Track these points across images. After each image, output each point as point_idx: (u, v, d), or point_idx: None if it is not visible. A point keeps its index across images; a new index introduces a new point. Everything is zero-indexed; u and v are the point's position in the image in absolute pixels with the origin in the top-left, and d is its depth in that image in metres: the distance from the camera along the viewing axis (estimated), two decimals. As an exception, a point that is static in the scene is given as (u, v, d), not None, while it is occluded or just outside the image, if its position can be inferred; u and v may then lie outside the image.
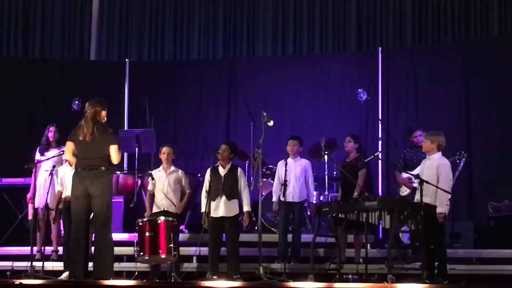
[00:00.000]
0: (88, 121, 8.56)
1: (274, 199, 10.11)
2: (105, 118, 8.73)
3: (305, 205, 10.42)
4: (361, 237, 9.70)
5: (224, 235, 9.57)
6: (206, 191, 9.56)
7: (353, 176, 9.75)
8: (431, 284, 8.00)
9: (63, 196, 9.62)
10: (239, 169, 9.78)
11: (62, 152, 9.69)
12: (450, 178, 8.84)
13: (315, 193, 10.89)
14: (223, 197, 9.51)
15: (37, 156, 10.60)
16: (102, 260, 8.41)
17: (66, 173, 9.55)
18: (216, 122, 13.67)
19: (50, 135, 10.62)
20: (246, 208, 9.62)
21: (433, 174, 8.69)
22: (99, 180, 8.48)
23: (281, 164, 10.11)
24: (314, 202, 10.34)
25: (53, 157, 10.21)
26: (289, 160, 9.96)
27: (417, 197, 8.79)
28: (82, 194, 8.50)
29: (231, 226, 9.49)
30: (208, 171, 9.69)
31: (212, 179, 9.57)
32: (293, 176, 9.93)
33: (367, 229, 8.94)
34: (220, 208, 9.50)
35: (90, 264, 8.57)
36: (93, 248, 8.78)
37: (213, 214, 9.47)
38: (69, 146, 8.70)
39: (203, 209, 9.53)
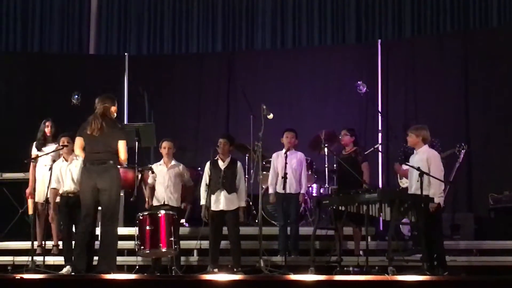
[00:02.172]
0: (97, 117, 8.59)
1: (271, 191, 10.10)
2: (115, 114, 8.75)
3: (305, 197, 10.43)
4: (360, 229, 9.72)
5: (224, 228, 9.58)
6: (206, 184, 9.57)
7: (353, 169, 9.75)
8: (431, 276, 8.01)
9: (60, 192, 9.61)
10: (239, 163, 9.79)
11: (61, 147, 9.69)
12: (441, 168, 8.85)
13: (315, 185, 10.91)
14: (223, 191, 9.53)
15: (34, 151, 10.54)
16: (106, 255, 8.44)
17: (62, 168, 9.55)
18: (215, 115, 13.66)
19: (47, 130, 10.58)
20: (242, 203, 9.62)
21: (424, 166, 8.68)
22: (107, 174, 8.50)
23: (276, 156, 10.11)
24: (309, 194, 10.35)
25: (53, 152, 10.19)
26: (288, 152, 9.95)
27: (412, 190, 8.80)
28: (91, 188, 8.51)
29: (231, 219, 9.51)
30: (208, 164, 9.69)
31: (212, 172, 9.57)
32: (289, 168, 9.89)
33: (368, 222, 8.95)
34: (221, 201, 9.51)
35: (95, 258, 8.58)
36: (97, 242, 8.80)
37: (213, 208, 9.48)
38: (78, 141, 8.71)
39: (202, 202, 9.55)
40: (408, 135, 9.09)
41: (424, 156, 8.80)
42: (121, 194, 10.96)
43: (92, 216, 8.58)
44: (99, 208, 8.68)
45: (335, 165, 11.07)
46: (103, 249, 8.47)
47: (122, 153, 8.62)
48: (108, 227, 8.51)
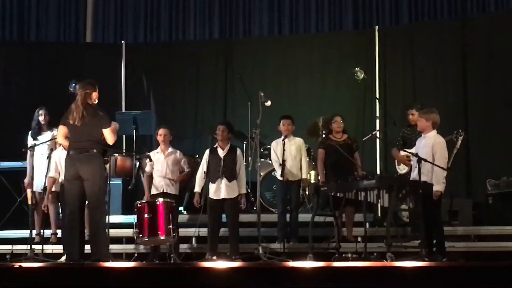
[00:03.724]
0: (78, 105, 8.52)
1: (279, 174, 10.03)
2: (96, 100, 8.68)
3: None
4: (353, 214, 9.76)
5: (223, 216, 9.58)
6: (204, 172, 9.54)
7: (350, 155, 9.78)
8: (430, 262, 8.02)
9: (60, 180, 9.61)
10: (238, 150, 9.77)
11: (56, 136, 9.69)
12: (446, 156, 8.85)
13: (313, 172, 10.90)
14: (224, 179, 9.51)
15: (29, 140, 10.53)
16: (97, 243, 8.41)
17: (62, 156, 9.55)
18: (213, 103, 13.65)
19: (41, 118, 10.55)
20: (242, 190, 9.61)
21: (429, 152, 8.69)
22: (90, 162, 8.45)
23: (275, 144, 10.10)
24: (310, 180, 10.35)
25: (49, 140, 10.17)
26: (286, 140, 9.94)
27: (413, 175, 8.81)
28: (74, 177, 8.48)
29: (231, 207, 9.50)
30: (207, 152, 9.65)
31: (210, 160, 9.55)
32: (289, 155, 9.89)
33: (366, 208, 8.96)
34: (222, 190, 9.49)
35: (87, 246, 8.59)
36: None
37: (213, 197, 9.47)
38: (61, 130, 8.68)
39: (196, 189, 9.54)
40: (418, 120, 9.09)
41: (431, 142, 8.78)
42: (119, 182, 11.02)
43: (77, 204, 8.51)
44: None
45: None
46: (93, 238, 8.46)
47: (109, 140, 8.59)
48: (95, 216, 8.48)
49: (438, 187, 8.60)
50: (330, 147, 10.02)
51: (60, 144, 9.64)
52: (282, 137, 9.93)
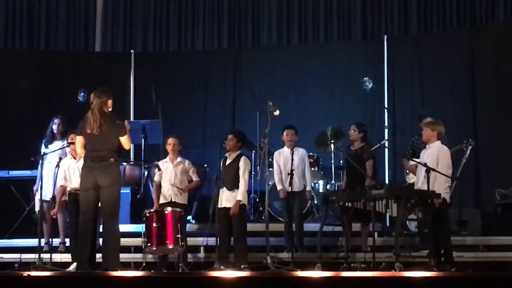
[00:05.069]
0: (95, 113, 8.56)
1: (280, 187, 10.07)
2: (111, 107, 8.73)
3: (312, 193, 10.43)
4: (368, 225, 9.71)
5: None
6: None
7: (359, 165, 9.74)
8: (438, 272, 8.00)
9: (68, 189, 9.64)
10: (242, 157, 9.62)
11: (66, 145, 9.71)
12: (450, 166, 8.88)
13: (321, 182, 10.89)
14: (223, 188, 9.51)
15: (43, 148, 10.60)
16: (110, 252, 8.45)
17: (71, 165, 9.57)
18: (222, 113, 13.67)
19: (55, 127, 10.62)
20: (239, 197, 9.44)
21: (433, 161, 8.73)
22: (109, 171, 8.51)
23: (278, 154, 10.11)
24: (315, 191, 10.34)
25: (59, 149, 10.21)
26: (288, 150, 9.92)
27: (418, 184, 8.80)
28: (91, 186, 8.52)
29: (236, 216, 9.47)
30: (221, 162, 9.65)
31: (222, 169, 9.56)
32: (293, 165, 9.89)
33: (374, 218, 8.95)
34: (223, 199, 9.51)
35: (99, 255, 8.60)
36: (100, 239, 8.81)
37: (218, 205, 9.48)
38: (79, 141, 8.72)
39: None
40: (423, 129, 9.10)
41: (436, 152, 8.83)
42: (128, 191, 11.04)
43: (92, 213, 8.57)
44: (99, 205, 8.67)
45: (341, 161, 11.09)
46: (107, 247, 8.49)
47: (126, 145, 8.68)
48: (110, 225, 8.52)
49: (442, 195, 8.60)
50: (345, 157, 10.04)
51: (70, 153, 9.66)
52: (285, 147, 9.93)
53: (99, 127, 8.50)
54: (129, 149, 8.80)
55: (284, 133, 10.07)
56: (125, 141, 8.64)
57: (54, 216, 9.95)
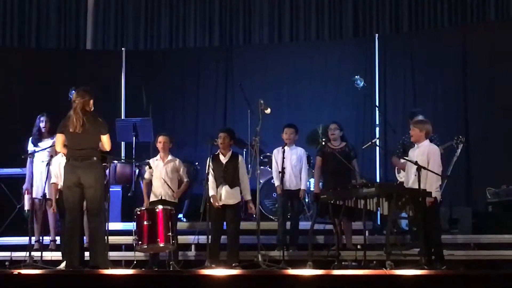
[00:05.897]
0: (77, 112, 8.54)
1: (277, 183, 10.04)
2: (93, 107, 8.71)
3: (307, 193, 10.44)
4: (351, 222, 9.84)
5: (224, 223, 9.56)
6: (212, 176, 9.52)
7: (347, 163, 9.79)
8: (429, 270, 8.00)
9: (58, 187, 9.61)
10: (240, 157, 9.78)
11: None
12: (440, 164, 8.89)
13: (312, 180, 10.89)
14: (225, 186, 9.50)
15: (30, 146, 10.53)
16: (97, 250, 8.44)
17: (62, 163, 9.53)
18: (213, 110, 13.64)
19: (42, 125, 10.56)
20: (247, 196, 9.61)
21: (424, 161, 8.73)
22: (92, 170, 8.50)
23: (277, 152, 10.10)
24: (307, 189, 10.34)
25: (49, 147, 10.17)
26: (286, 148, 9.93)
27: (409, 183, 8.80)
28: (74, 184, 8.51)
29: (232, 214, 9.48)
30: (209, 159, 9.61)
31: (213, 167, 9.55)
32: (289, 164, 9.90)
33: (365, 216, 8.95)
34: (222, 196, 9.49)
35: (87, 253, 8.59)
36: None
37: (221, 202, 9.47)
38: (59, 138, 8.71)
39: (211, 193, 9.48)
40: (411, 129, 9.11)
41: (425, 151, 8.84)
42: (119, 189, 11.02)
43: (77, 211, 8.57)
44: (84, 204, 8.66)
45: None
46: (93, 245, 8.49)
47: (107, 145, 8.68)
48: (96, 223, 8.51)
49: (433, 194, 8.61)
50: (328, 154, 10.03)
51: (57, 152, 9.64)
52: (285, 145, 9.96)
53: (81, 125, 8.49)
54: (110, 149, 8.73)
55: (284, 131, 10.09)
56: (106, 140, 8.64)
57: (53, 210, 9.93)
